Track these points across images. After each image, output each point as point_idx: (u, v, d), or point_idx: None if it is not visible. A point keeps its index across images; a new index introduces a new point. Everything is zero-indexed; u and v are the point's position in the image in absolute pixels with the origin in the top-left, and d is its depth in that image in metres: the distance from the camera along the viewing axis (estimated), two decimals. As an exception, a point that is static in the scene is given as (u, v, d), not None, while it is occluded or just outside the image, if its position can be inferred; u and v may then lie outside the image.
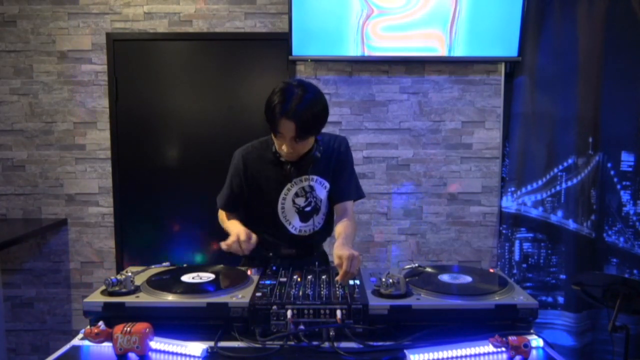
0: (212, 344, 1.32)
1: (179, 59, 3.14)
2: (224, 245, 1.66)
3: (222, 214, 1.92)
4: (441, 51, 2.98)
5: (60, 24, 3.09)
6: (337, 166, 1.85)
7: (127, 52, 3.11)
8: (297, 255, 1.89)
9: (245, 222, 1.81)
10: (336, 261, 1.53)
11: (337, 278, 1.49)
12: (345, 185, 1.87)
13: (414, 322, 1.39)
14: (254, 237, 1.69)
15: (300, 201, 1.84)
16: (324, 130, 1.84)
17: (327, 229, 1.93)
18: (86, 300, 1.43)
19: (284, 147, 1.67)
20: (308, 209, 1.84)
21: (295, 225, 1.86)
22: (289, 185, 1.82)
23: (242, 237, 1.65)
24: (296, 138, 1.63)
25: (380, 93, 3.12)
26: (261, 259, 1.87)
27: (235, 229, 1.71)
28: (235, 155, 1.86)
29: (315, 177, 1.83)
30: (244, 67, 3.12)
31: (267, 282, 1.54)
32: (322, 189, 1.85)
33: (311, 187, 1.83)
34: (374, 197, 3.16)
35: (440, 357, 1.25)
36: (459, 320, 1.41)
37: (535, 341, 1.34)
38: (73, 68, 3.11)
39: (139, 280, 1.56)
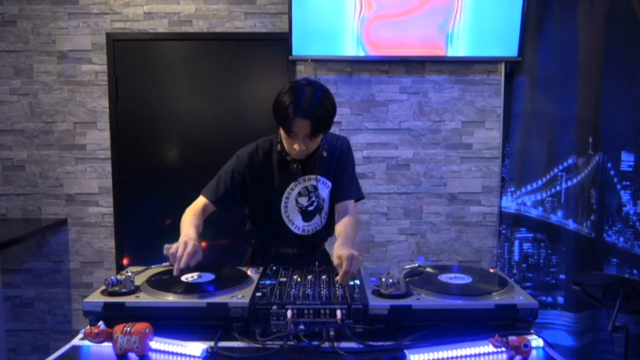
0: (212, 344, 1.32)
1: (179, 59, 3.14)
2: (166, 248, 1.52)
3: (189, 213, 1.80)
4: (441, 51, 2.98)
5: (60, 24, 3.09)
6: (339, 166, 1.86)
7: (127, 52, 3.11)
8: (299, 254, 1.89)
9: (249, 221, 1.79)
10: (336, 261, 1.53)
11: (337, 278, 1.49)
12: (347, 184, 1.87)
13: (414, 322, 1.39)
14: (199, 255, 1.54)
15: (303, 200, 1.84)
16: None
17: (328, 229, 1.93)
18: (86, 300, 1.43)
19: (296, 146, 1.67)
20: (311, 208, 1.85)
21: (298, 224, 1.86)
22: (292, 185, 1.82)
23: (189, 248, 1.50)
24: (310, 136, 1.65)
25: (380, 93, 3.12)
26: (262, 259, 1.87)
27: (188, 235, 1.60)
28: (240, 153, 1.84)
29: (319, 177, 1.83)
30: (244, 67, 3.12)
31: (267, 282, 1.53)
32: (324, 189, 1.85)
33: (314, 187, 1.83)
34: (374, 197, 3.16)
35: (440, 357, 1.25)
36: (459, 320, 1.40)
37: (535, 341, 1.34)
38: (73, 68, 3.11)
39: (139, 280, 1.55)
